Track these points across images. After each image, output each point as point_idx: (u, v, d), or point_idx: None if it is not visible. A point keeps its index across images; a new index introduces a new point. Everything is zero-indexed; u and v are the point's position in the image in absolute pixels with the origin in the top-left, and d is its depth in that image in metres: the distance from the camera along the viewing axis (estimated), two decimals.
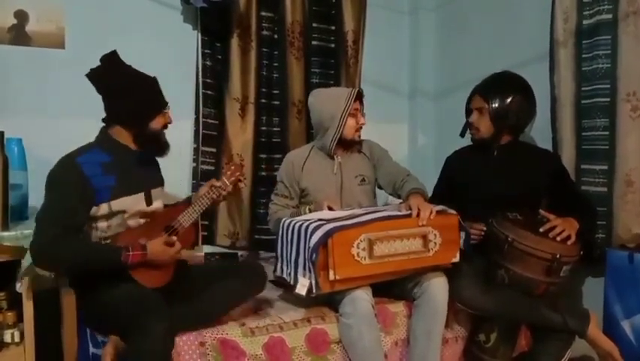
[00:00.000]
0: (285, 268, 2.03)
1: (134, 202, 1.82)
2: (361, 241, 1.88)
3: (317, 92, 2.40)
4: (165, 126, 1.89)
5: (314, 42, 3.01)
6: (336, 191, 2.30)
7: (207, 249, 2.76)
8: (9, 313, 1.96)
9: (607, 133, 2.19)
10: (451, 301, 2.01)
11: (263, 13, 2.86)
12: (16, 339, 1.94)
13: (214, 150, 2.79)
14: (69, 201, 1.69)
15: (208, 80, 2.76)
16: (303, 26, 2.96)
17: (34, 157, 2.19)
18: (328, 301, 2.02)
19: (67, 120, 2.44)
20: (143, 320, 1.55)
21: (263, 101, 2.89)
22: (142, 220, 1.86)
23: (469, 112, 2.30)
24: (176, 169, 2.70)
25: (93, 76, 1.79)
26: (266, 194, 2.72)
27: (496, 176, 2.22)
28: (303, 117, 2.96)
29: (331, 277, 1.84)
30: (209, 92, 2.76)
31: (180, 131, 2.69)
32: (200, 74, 2.74)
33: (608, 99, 2.18)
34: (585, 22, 2.26)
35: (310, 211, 2.18)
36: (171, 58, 2.70)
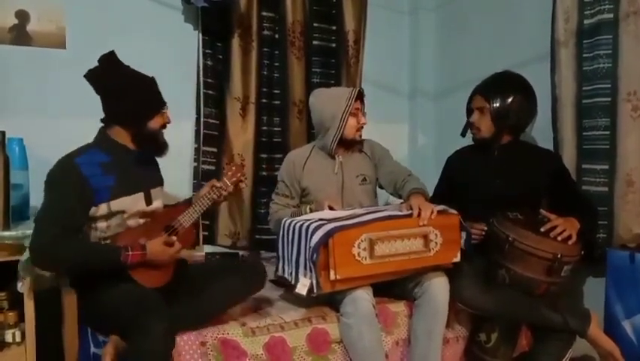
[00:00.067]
0: (286, 267, 2.03)
1: (134, 202, 1.82)
2: (362, 240, 1.88)
3: (318, 91, 2.40)
4: (164, 126, 1.89)
5: (315, 42, 3.01)
6: (337, 190, 2.30)
7: (208, 249, 2.76)
8: (10, 313, 1.97)
9: (608, 133, 2.19)
10: (452, 301, 2.01)
11: (264, 13, 2.86)
12: (17, 339, 1.95)
13: (215, 149, 2.79)
14: (68, 202, 1.69)
15: (209, 80, 2.76)
16: (304, 26, 2.96)
17: (35, 157, 2.19)
18: (329, 300, 2.02)
19: (68, 120, 2.44)
20: (143, 320, 1.55)
21: (264, 100, 2.89)
22: (141, 220, 1.86)
23: (469, 112, 2.30)
24: (177, 169, 2.70)
25: (91, 76, 1.79)
26: (267, 194, 2.73)
27: (497, 176, 2.22)
28: (303, 117, 2.96)
29: (332, 277, 1.84)
30: (210, 91, 2.76)
31: (181, 131, 2.71)
32: (201, 73, 2.74)
33: (609, 99, 2.18)
34: (586, 21, 2.26)
35: (311, 211, 2.18)
36: (172, 58, 2.70)
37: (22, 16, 2.46)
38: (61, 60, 2.49)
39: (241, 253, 2.82)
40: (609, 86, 2.18)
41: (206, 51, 2.74)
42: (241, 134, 2.82)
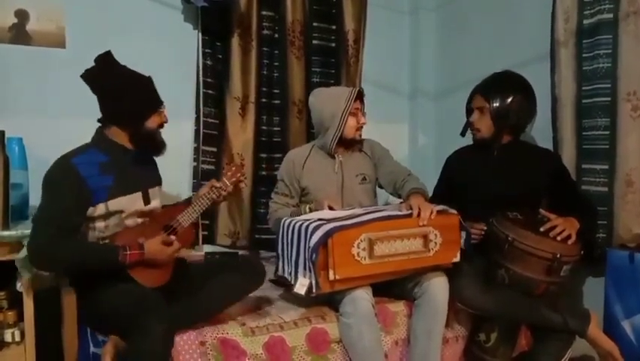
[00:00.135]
0: (285, 267, 2.02)
1: (131, 202, 1.82)
2: (361, 240, 1.87)
3: (318, 91, 2.40)
4: (161, 125, 1.89)
5: (314, 41, 3.01)
6: (337, 190, 2.30)
7: (208, 248, 2.76)
8: (9, 313, 1.97)
9: (607, 133, 2.19)
10: (452, 301, 2.01)
11: (263, 13, 2.86)
12: (17, 338, 1.95)
13: (214, 149, 2.79)
14: (65, 202, 1.69)
15: (208, 80, 2.76)
16: (304, 26, 2.96)
17: (35, 156, 2.19)
18: (328, 300, 2.02)
19: (68, 119, 2.44)
20: (142, 320, 1.55)
21: (263, 100, 2.89)
22: (140, 220, 1.86)
23: (469, 111, 2.30)
24: (177, 169, 2.70)
25: (88, 76, 1.79)
26: (266, 193, 2.72)
27: (497, 175, 2.22)
28: (303, 117, 2.96)
29: (331, 277, 1.84)
30: (209, 91, 2.76)
31: (181, 130, 2.71)
32: (200, 73, 2.74)
33: (609, 99, 2.18)
34: (586, 21, 2.26)
35: (310, 210, 2.18)
36: (172, 57, 2.70)
37: (22, 15, 2.46)
38: (60, 60, 2.49)
39: (241, 252, 2.82)
40: (609, 85, 2.18)
41: (206, 51, 2.74)
42: (241, 134, 2.83)
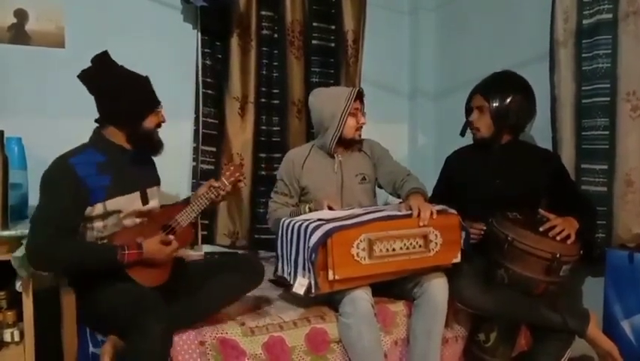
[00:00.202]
0: (285, 267, 2.02)
1: (129, 202, 1.82)
2: (361, 241, 1.87)
3: (317, 91, 2.40)
4: (159, 125, 1.89)
5: (314, 41, 3.01)
6: (337, 190, 2.30)
7: (207, 248, 2.76)
8: (9, 313, 1.97)
9: (607, 133, 2.19)
10: (451, 301, 2.01)
11: (263, 13, 2.86)
12: (16, 338, 1.95)
13: (214, 149, 2.79)
14: (63, 202, 1.69)
15: (208, 80, 2.76)
16: (303, 25, 2.96)
17: (34, 156, 2.19)
18: (328, 300, 2.01)
19: (67, 119, 2.43)
20: (141, 320, 1.55)
21: (263, 100, 2.89)
22: (138, 220, 1.86)
23: (469, 111, 2.30)
24: (176, 168, 2.70)
25: (85, 77, 1.79)
26: (266, 193, 2.72)
27: (496, 175, 2.22)
28: (302, 117, 2.96)
29: (330, 277, 1.84)
30: (209, 91, 2.76)
31: (180, 130, 2.71)
32: (200, 73, 2.74)
33: (608, 99, 2.18)
34: (585, 21, 2.26)
35: (310, 210, 2.17)
36: (171, 57, 2.70)
37: (21, 15, 2.46)
38: (60, 60, 2.49)
39: (240, 252, 2.82)
40: (608, 86, 2.18)
41: (205, 50, 2.74)
42: (240, 134, 2.82)
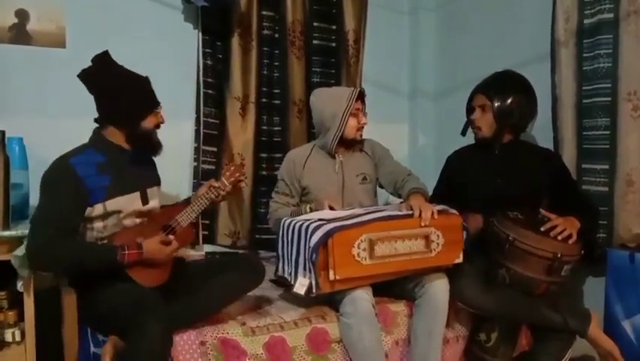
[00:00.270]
0: (285, 267, 2.02)
1: (129, 202, 1.82)
2: (362, 241, 1.87)
3: (318, 91, 2.40)
4: (158, 126, 1.89)
5: (315, 41, 3.01)
6: (338, 190, 2.30)
7: (208, 248, 2.76)
8: (10, 313, 1.97)
9: (608, 132, 2.19)
10: (452, 301, 2.01)
11: (264, 13, 2.86)
12: (17, 338, 1.95)
13: (215, 149, 2.79)
14: (63, 203, 1.69)
15: (209, 80, 2.76)
16: (304, 25, 2.96)
17: (35, 156, 2.19)
18: (329, 300, 2.01)
19: (68, 119, 2.43)
20: (141, 320, 1.55)
21: (264, 100, 2.89)
22: (138, 220, 1.86)
23: (470, 110, 2.30)
24: (177, 168, 2.71)
25: (85, 76, 1.80)
26: (266, 193, 2.72)
27: (498, 175, 2.21)
28: (303, 116, 2.96)
29: (331, 277, 1.84)
30: (209, 91, 2.76)
31: (181, 130, 2.71)
32: (200, 73, 2.74)
33: (609, 99, 2.18)
34: (586, 21, 2.26)
35: (311, 210, 2.17)
36: (172, 57, 2.70)
37: (22, 15, 2.46)
38: (61, 60, 2.49)
39: (241, 252, 2.82)
40: (609, 85, 2.18)
41: (206, 50, 2.74)
42: (241, 134, 2.83)
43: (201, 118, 2.74)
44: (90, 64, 1.80)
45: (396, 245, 1.92)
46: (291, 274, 1.98)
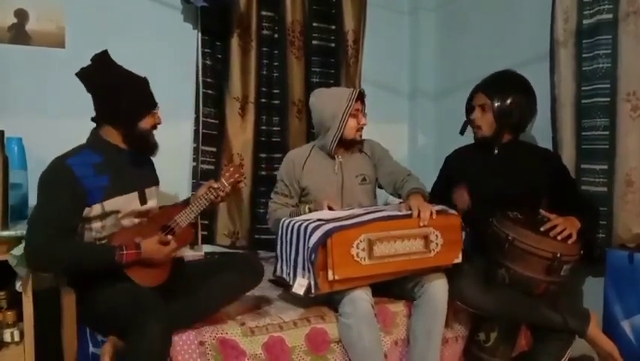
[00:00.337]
0: (284, 267, 2.02)
1: (128, 202, 1.82)
2: (361, 241, 1.87)
3: (318, 91, 2.40)
4: (154, 127, 1.89)
5: (314, 41, 3.01)
6: (337, 191, 2.30)
7: (207, 248, 2.76)
8: (9, 313, 1.97)
9: (607, 133, 2.19)
10: (452, 301, 2.01)
11: (263, 13, 2.86)
12: (16, 338, 1.95)
13: (214, 149, 2.79)
14: (60, 203, 1.69)
15: (208, 80, 2.76)
16: (304, 26, 2.96)
17: (34, 156, 2.19)
18: (328, 300, 2.01)
19: (68, 120, 2.43)
20: (140, 320, 1.55)
21: (263, 100, 2.89)
22: (136, 220, 1.86)
23: (470, 110, 2.30)
24: (176, 169, 2.71)
25: (83, 75, 1.80)
26: (266, 193, 2.72)
27: (497, 175, 2.21)
28: (303, 117, 2.96)
29: (330, 277, 1.84)
30: (209, 91, 2.76)
31: (180, 130, 2.71)
32: (200, 73, 2.74)
33: (609, 99, 2.18)
34: (585, 21, 2.26)
35: (310, 211, 2.17)
36: (171, 57, 2.70)
37: (22, 15, 2.46)
38: (60, 60, 2.48)
39: (240, 252, 2.82)
40: (608, 86, 2.18)
41: (206, 51, 2.74)
42: (240, 134, 2.83)
43: (200, 118, 2.74)
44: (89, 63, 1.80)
45: (396, 245, 1.92)
46: (289, 274, 1.98)
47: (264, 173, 2.90)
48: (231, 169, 2.03)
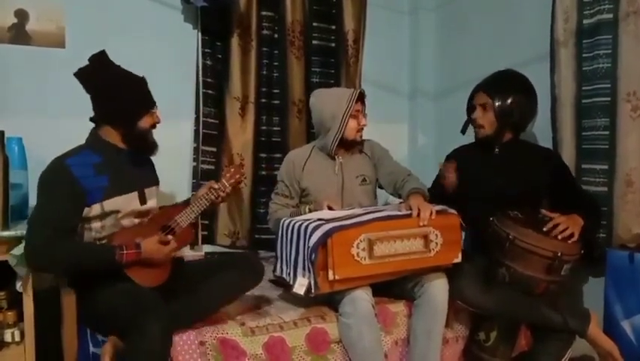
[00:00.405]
0: (284, 267, 2.02)
1: (127, 202, 1.83)
2: (361, 241, 1.87)
3: (318, 92, 2.40)
4: (153, 126, 1.89)
5: (314, 41, 3.01)
6: (337, 191, 2.30)
7: (207, 248, 2.76)
8: (9, 313, 1.97)
9: (607, 133, 2.19)
10: (452, 300, 2.01)
11: (263, 13, 2.86)
12: (17, 338, 1.95)
13: (214, 149, 2.79)
14: (60, 203, 1.70)
15: (208, 80, 2.76)
16: (304, 26, 2.96)
17: (35, 156, 2.19)
18: (328, 300, 2.01)
19: (68, 120, 2.43)
20: (140, 320, 1.55)
21: (263, 100, 2.89)
22: (136, 220, 1.87)
23: (471, 109, 2.30)
24: (176, 169, 2.71)
25: (81, 75, 1.80)
26: (266, 193, 2.73)
27: (498, 174, 2.21)
28: (303, 117, 2.96)
29: (330, 277, 1.84)
30: (209, 91, 2.76)
31: (180, 130, 2.71)
32: (200, 73, 2.74)
33: (609, 99, 2.18)
34: (585, 21, 2.26)
35: (310, 211, 2.18)
36: (171, 57, 2.70)
37: (22, 15, 2.46)
38: (60, 60, 2.48)
39: (240, 252, 2.82)
40: (609, 86, 2.18)
41: (206, 51, 2.74)
42: (240, 134, 2.83)
43: (201, 118, 2.74)
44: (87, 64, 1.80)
45: (396, 245, 1.92)
46: (289, 274, 1.98)
47: (264, 173, 2.90)
48: (232, 170, 2.04)
